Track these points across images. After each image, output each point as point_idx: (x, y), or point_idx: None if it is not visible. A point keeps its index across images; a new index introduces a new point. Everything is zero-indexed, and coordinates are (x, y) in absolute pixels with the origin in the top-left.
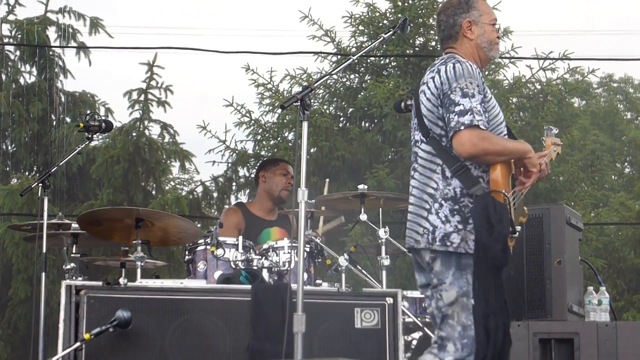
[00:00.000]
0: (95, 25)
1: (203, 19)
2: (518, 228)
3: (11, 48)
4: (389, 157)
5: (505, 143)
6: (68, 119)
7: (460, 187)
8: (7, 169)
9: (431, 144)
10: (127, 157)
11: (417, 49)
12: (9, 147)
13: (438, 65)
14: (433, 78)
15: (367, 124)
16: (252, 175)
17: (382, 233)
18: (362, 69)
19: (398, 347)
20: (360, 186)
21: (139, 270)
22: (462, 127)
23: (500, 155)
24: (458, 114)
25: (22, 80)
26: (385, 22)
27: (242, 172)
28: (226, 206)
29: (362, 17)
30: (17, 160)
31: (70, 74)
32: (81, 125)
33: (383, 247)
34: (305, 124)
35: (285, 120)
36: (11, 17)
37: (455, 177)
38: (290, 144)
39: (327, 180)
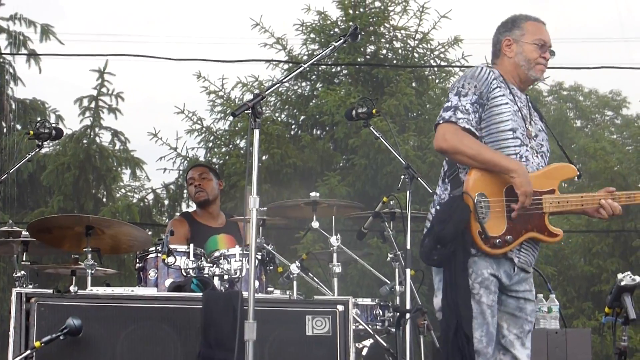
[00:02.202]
0: (46, 32)
1: (154, 26)
2: (508, 237)
3: None
4: (341, 164)
5: (482, 150)
6: (18, 126)
7: (448, 192)
8: None
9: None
10: (77, 164)
11: (368, 57)
12: None
13: None
14: None
15: (318, 132)
16: None
17: (334, 240)
18: (314, 76)
19: (349, 355)
20: (312, 194)
21: (89, 278)
22: (441, 121)
23: (473, 160)
24: (444, 109)
25: None
26: (336, 30)
27: None
28: (177, 214)
29: (314, 25)
30: None
31: (20, 81)
32: (31, 132)
33: (335, 255)
34: (256, 132)
35: (236, 128)
36: None
37: (449, 182)
38: (241, 152)
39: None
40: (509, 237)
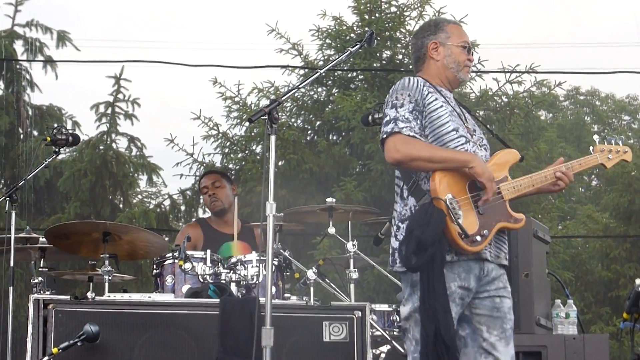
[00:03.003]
0: (62, 38)
1: (170, 32)
2: (484, 232)
3: None
4: (357, 169)
5: (435, 151)
6: (35, 133)
7: (414, 205)
8: None
9: (397, 168)
10: (94, 170)
11: (384, 62)
12: None
13: None
14: None
15: (334, 137)
16: None
17: (351, 246)
18: (330, 82)
19: None
20: (329, 199)
21: (106, 284)
22: (385, 135)
23: (431, 162)
24: (384, 124)
25: None
26: (352, 35)
27: None
28: (193, 219)
29: (329, 31)
30: None
31: (37, 88)
32: (48, 138)
33: (351, 261)
34: (272, 137)
35: (252, 134)
36: None
37: (410, 195)
38: (257, 157)
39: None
40: (484, 231)
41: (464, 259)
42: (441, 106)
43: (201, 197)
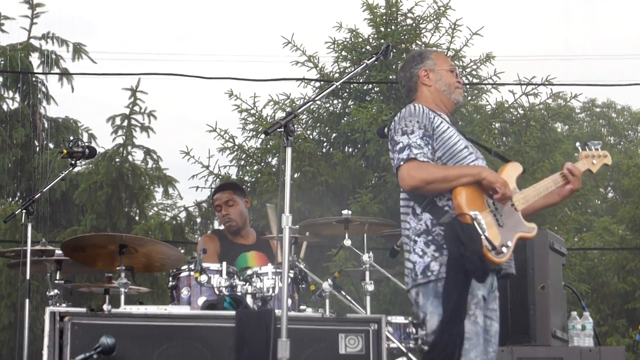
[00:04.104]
0: (78, 51)
1: (186, 45)
2: (508, 243)
3: None
4: (373, 182)
5: (447, 170)
6: (51, 145)
7: (431, 219)
8: None
9: (402, 192)
10: (110, 182)
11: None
12: None
13: None
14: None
15: (350, 149)
16: None
17: (366, 258)
18: (345, 94)
19: None
20: (344, 211)
21: (122, 297)
22: (402, 163)
23: (445, 182)
24: (398, 151)
25: (5, 107)
26: (368, 47)
27: None
28: (209, 231)
29: (345, 43)
30: (0, 186)
31: (53, 100)
32: (64, 151)
33: (367, 273)
34: (288, 150)
35: (268, 146)
36: None
37: (424, 212)
38: (273, 169)
39: (272, 205)
40: (508, 242)
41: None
42: (448, 127)
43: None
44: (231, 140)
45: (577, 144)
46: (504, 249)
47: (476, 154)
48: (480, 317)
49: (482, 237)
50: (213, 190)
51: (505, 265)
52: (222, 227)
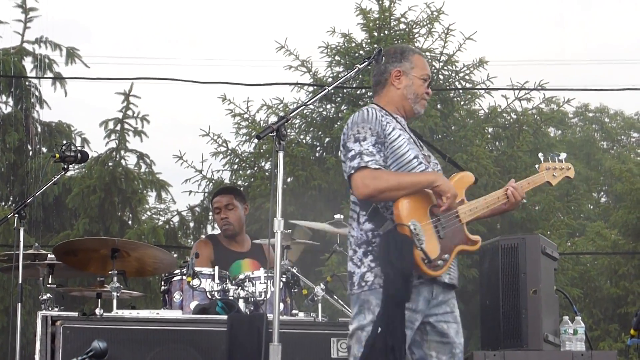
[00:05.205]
0: (72, 55)
1: (179, 49)
2: (445, 256)
3: None
4: None
5: (400, 178)
6: (44, 149)
7: (372, 229)
8: None
9: (351, 195)
10: (103, 187)
11: None
12: None
13: None
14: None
15: None
16: None
17: None
18: (339, 99)
19: None
20: (337, 215)
21: (115, 301)
22: (353, 171)
23: (399, 190)
24: (350, 159)
25: None
26: (361, 52)
27: None
28: (202, 236)
29: (338, 48)
30: None
31: (46, 104)
32: (57, 155)
33: None
34: (281, 154)
35: (261, 150)
36: None
37: (367, 221)
38: (266, 174)
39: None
40: (445, 255)
41: (417, 282)
42: (400, 135)
43: (211, 212)
44: (224, 144)
45: (540, 154)
46: (440, 262)
47: (427, 163)
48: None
49: (419, 249)
50: (214, 192)
51: (444, 276)
52: (216, 232)
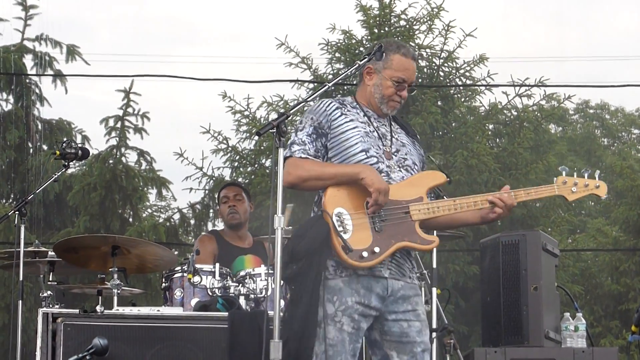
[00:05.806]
0: (72, 52)
1: (180, 46)
2: (376, 249)
3: None
4: None
5: (324, 168)
6: (45, 147)
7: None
8: None
9: None
10: (103, 184)
11: None
12: None
13: None
14: None
15: None
16: None
17: None
18: (339, 95)
19: None
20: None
21: (115, 298)
22: (283, 160)
23: (321, 180)
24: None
25: None
26: (361, 49)
27: None
28: (203, 233)
29: (339, 44)
30: None
31: (46, 102)
32: (58, 153)
33: None
34: (281, 151)
35: (262, 147)
36: None
37: (315, 206)
38: (267, 171)
39: (291, 205)
40: (376, 248)
41: (363, 274)
42: (354, 127)
43: (217, 206)
44: (225, 141)
45: (562, 167)
46: (365, 254)
47: (381, 159)
48: (347, 324)
49: (338, 236)
50: (222, 185)
51: (383, 271)
52: (218, 228)
